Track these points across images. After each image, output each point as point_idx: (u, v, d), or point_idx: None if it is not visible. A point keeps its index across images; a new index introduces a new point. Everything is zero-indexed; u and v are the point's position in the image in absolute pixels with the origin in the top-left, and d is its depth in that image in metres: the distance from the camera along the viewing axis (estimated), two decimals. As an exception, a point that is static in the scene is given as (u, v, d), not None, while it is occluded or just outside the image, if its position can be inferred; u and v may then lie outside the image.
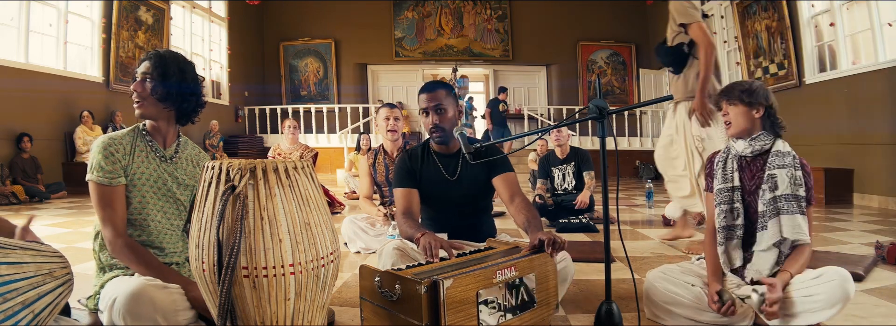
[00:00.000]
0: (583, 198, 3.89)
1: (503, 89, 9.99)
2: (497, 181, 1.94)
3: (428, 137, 1.99)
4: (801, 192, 1.55)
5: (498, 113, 9.56)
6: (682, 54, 2.88)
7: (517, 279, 1.44)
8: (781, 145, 1.61)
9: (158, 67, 1.44)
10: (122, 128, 1.63)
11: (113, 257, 1.44)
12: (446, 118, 1.89)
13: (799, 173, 1.56)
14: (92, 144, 1.46)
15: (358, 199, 4.25)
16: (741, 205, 1.63)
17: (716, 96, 1.72)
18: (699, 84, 2.73)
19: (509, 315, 1.42)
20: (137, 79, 1.46)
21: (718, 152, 1.75)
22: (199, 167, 1.62)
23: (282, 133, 4.81)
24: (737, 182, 1.64)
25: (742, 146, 1.64)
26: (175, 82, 1.45)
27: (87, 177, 1.42)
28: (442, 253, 1.56)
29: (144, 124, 1.53)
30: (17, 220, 1.35)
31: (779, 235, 1.54)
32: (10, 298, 1.02)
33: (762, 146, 1.61)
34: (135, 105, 1.47)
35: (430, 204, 2.01)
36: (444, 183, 1.95)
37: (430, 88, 1.91)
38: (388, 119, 3.04)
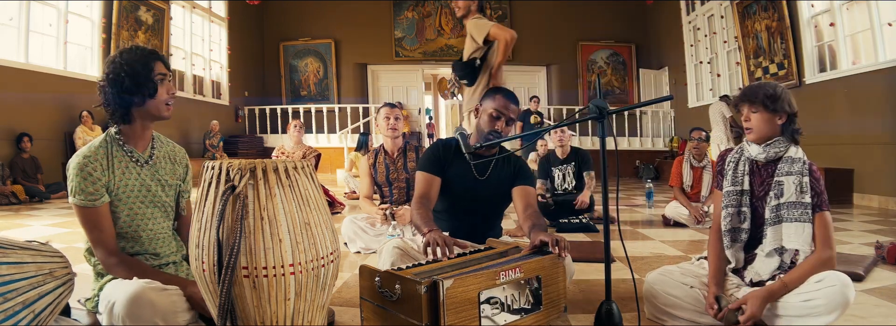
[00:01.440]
0: (583, 198, 3.90)
1: (534, 97, 8.48)
2: (517, 191, 1.97)
3: (452, 136, 2.02)
4: (807, 199, 1.50)
5: (530, 127, 7.79)
6: (475, 68, 3.21)
7: (524, 281, 1.44)
8: (794, 152, 1.57)
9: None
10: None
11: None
12: (507, 131, 2.00)
13: (806, 179, 1.52)
14: (69, 162, 1.42)
15: (358, 199, 4.25)
16: (749, 209, 1.60)
17: (736, 99, 1.65)
18: (496, 63, 3.16)
19: (515, 316, 1.42)
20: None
21: (730, 150, 1.71)
22: (177, 164, 1.59)
23: (287, 132, 4.84)
24: (746, 186, 1.61)
25: (756, 151, 1.60)
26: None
27: (70, 200, 1.38)
28: (439, 252, 1.56)
29: (117, 129, 1.48)
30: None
31: (777, 243, 1.52)
32: (11, 298, 1.02)
33: (776, 153, 1.57)
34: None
35: (453, 201, 2.01)
36: (472, 181, 1.98)
37: (514, 99, 1.99)
38: (388, 119, 3.04)
